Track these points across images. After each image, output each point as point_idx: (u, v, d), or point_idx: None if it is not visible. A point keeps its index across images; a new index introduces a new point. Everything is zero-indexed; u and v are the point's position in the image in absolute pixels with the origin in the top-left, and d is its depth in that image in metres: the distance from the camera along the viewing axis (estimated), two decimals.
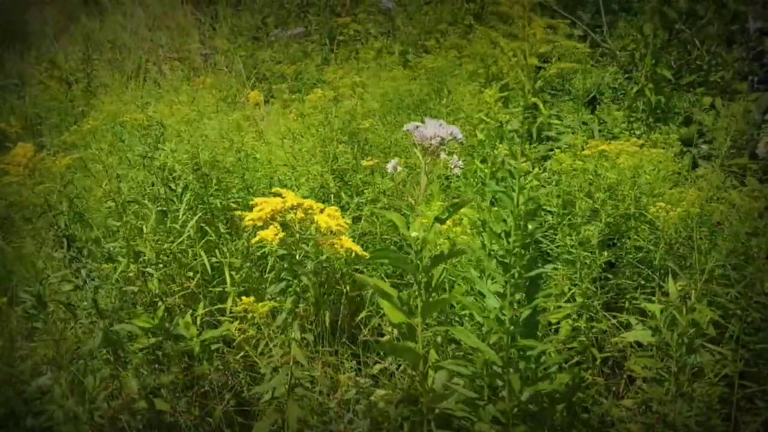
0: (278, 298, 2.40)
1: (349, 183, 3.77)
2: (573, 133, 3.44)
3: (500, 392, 2.19)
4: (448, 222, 2.69)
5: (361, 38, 6.02)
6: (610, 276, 3.01)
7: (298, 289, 2.36)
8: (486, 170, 2.49)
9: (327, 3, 7.54)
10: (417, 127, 2.03)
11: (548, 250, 3.04)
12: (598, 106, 3.93)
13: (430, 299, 2.11)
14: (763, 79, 4.37)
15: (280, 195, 2.34)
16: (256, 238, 2.25)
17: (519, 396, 2.16)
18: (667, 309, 2.28)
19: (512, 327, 2.13)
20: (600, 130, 3.84)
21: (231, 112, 4.45)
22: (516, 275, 2.12)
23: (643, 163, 2.97)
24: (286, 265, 2.36)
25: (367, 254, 2.27)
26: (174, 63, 6.97)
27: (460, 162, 2.06)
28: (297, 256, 2.34)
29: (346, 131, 3.97)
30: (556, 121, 3.87)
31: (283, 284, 2.37)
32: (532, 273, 2.15)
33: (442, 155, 2.02)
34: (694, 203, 2.71)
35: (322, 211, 2.32)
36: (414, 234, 2.06)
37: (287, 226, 2.30)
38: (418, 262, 2.07)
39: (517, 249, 2.09)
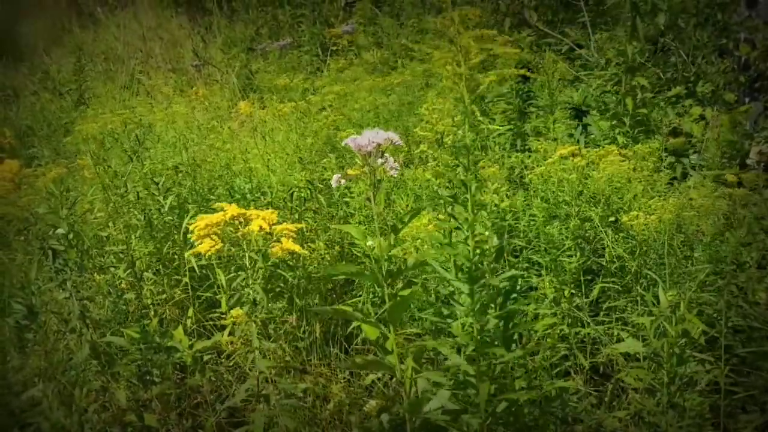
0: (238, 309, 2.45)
1: (334, 192, 3.79)
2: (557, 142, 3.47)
3: (474, 402, 2.18)
4: (411, 232, 2.72)
5: (353, 49, 6.05)
6: (589, 278, 3.03)
7: (252, 298, 2.40)
8: (433, 179, 2.54)
9: (320, 14, 7.57)
10: (354, 139, 2.08)
11: (536, 259, 3.06)
12: (585, 117, 3.95)
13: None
14: (751, 90, 4.40)
15: (222, 209, 2.44)
16: (189, 252, 2.35)
17: (492, 406, 2.15)
18: (657, 319, 2.28)
19: (480, 336, 2.13)
20: (587, 141, 3.86)
21: (216, 120, 4.51)
22: (484, 284, 2.12)
23: (619, 172, 3.00)
24: (238, 275, 2.43)
25: (306, 252, 2.36)
26: (167, 74, 6.99)
27: (396, 164, 2.09)
28: (247, 263, 2.39)
29: (328, 141, 4.01)
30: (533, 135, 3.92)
31: (237, 295, 2.42)
32: (502, 278, 2.16)
33: (379, 161, 2.06)
34: (669, 211, 2.73)
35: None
36: (369, 243, 2.08)
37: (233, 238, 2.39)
38: (377, 271, 2.08)
39: (484, 259, 2.10)
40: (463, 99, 2.02)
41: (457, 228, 2.09)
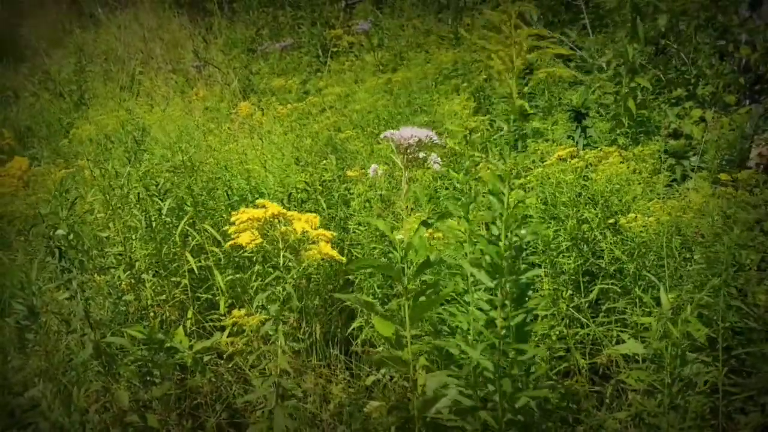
0: (267, 307, 2.45)
1: (334, 194, 3.80)
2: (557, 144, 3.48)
3: (491, 398, 2.18)
4: (429, 231, 2.72)
5: (354, 50, 6.05)
6: (589, 280, 3.04)
7: (281, 296, 2.41)
8: (465, 180, 2.53)
9: (320, 15, 7.57)
10: (393, 132, 2.08)
11: (533, 260, 3.07)
12: (584, 119, 3.96)
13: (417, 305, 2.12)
14: (751, 92, 4.40)
15: (263, 206, 2.44)
16: (231, 242, 2.35)
17: (511, 403, 2.16)
18: (660, 320, 2.28)
19: (504, 332, 2.13)
20: (586, 143, 3.87)
21: (213, 122, 4.52)
22: (507, 281, 2.13)
23: (618, 173, 3.01)
24: (271, 272, 2.43)
25: (344, 258, 2.35)
26: (168, 75, 6.99)
27: (439, 159, 2.09)
28: (281, 262, 2.40)
29: (329, 142, 4.02)
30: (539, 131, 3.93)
31: (268, 292, 2.43)
32: (526, 276, 2.16)
33: (421, 155, 2.06)
34: (668, 213, 2.73)
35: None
36: (399, 237, 2.08)
37: (269, 236, 2.39)
38: (403, 266, 2.08)
39: (508, 253, 2.10)
40: (512, 94, 2.03)
41: (493, 224, 2.09)
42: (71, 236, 2.92)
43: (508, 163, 2.07)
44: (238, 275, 3.49)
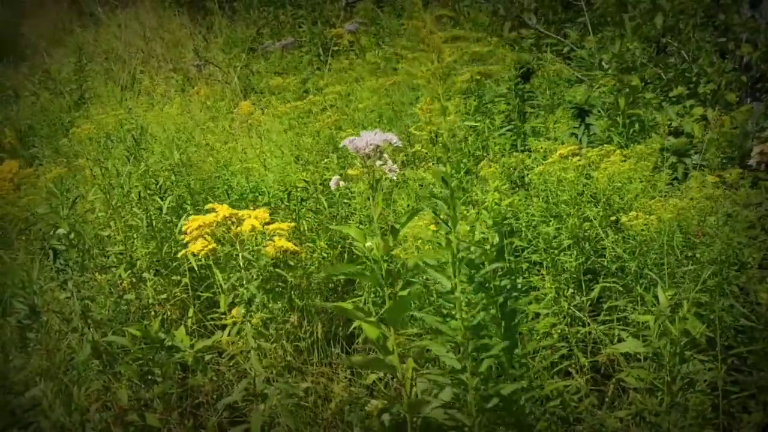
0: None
1: (335, 192, 3.80)
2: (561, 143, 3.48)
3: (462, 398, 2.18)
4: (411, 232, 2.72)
5: (354, 49, 6.05)
6: (590, 278, 3.04)
7: (246, 298, 2.40)
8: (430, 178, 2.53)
9: (321, 14, 7.57)
10: (352, 140, 2.07)
11: (535, 259, 3.07)
12: (587, 117, 3.95)
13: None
14: (752, 90, 4.40)
15: (213, 210, 2.43)
16: (182, 252, 2.34)
17: (483, 402, 2.15)
18: (658, 318, 2.28)
19: (467, 331, 2.13)
20: (590, 141, 3.86)
21: (212, 121, 4.53)
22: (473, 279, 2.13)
23: (619, 171, 3.01)
24: (233, 275, 2.43)
25: (298, 249, 2.35)
26: (168, 74, 7.00)
27: (395, 166, 2.08)
28: (241, 263, 2.39)
29: (330, 141, 4.02)
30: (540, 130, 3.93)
31: (232, 295, 2.42)
32: (481, 273, 2.16)
33: (378, 162, 2.05)
34: (669, 211, 2.72)
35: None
36: (368, 244, 2.08)
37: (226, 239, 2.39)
38: (377, 271, 2.08)
39: (461, 254, 2.10)
40: (439, 98, 2.03)
41: (445, 224, 2.09)
42: (72, 235, 2.92)
43: (451, 165, 2.07)
44: (239, 273, 3.50)
